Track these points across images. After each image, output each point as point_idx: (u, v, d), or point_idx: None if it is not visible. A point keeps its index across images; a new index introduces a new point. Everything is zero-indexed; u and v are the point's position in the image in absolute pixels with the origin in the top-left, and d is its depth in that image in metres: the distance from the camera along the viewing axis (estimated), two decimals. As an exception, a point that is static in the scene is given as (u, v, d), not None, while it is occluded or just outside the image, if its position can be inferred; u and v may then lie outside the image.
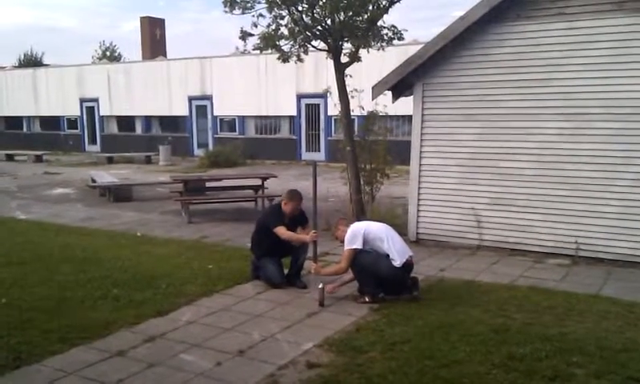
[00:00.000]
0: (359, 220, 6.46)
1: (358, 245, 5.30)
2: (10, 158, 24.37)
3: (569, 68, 6.69)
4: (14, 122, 29.82)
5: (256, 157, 21.48)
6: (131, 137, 26.07)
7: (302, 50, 8.95)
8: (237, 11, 8.64)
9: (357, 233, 5.35)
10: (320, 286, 5.28)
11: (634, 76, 6.35)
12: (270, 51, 9.35)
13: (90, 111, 27.27)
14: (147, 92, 25.08)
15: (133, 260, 6.90)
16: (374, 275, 5.28)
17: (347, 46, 8.97)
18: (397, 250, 5.29)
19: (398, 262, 5.24)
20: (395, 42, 9.13)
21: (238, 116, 23.17)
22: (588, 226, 6.76)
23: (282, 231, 5.80)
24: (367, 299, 5.31)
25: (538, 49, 6.83)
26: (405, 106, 9.24)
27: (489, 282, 5.98)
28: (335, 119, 18.94)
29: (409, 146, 7.91)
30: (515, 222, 7.21)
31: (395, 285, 5.36)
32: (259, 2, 8.56)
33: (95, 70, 27.70)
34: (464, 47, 7.28)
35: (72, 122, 28.03)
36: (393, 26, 8.89)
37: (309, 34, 8.56)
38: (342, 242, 5.52)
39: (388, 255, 5.27)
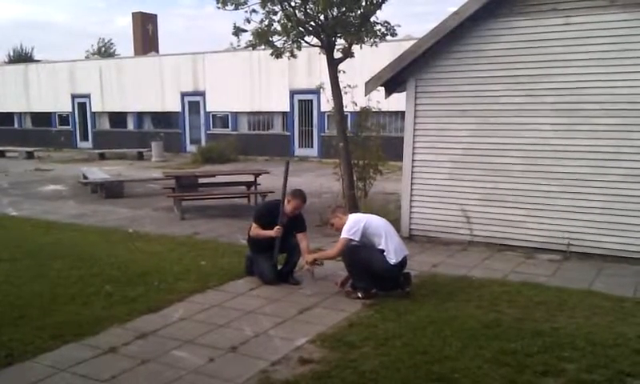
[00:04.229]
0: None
1: (355, 236, 5.27)
2: (0, 154, 24.19)
3: (564, 64, 6.70)
4: (5, 117, 29.58)
5: (249, 153, 21.42)
6: (123, 133, 25.92)
7: (295, 45, 8.94)
8: (229, 7, 8.61)
9: (357, 224, 5.31)
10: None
11: (629, 72, 6.37)
12: (262, 47, 9.33)
13: (82, 107, 27.10)
14: (139, 88, 24.94)
15: (125, 256, 6.87)
16: (367, 270, 5.28)
17: (340, 42, 8.95)
18: (394, 249, 5.28)
19: (393, 260, 5.24)
20: (388, 37, 9.14)
21: (230, 112, 23.10)
22: (579, 222, 6.79)
23: (253, 228, 5.93)
24: (360, 295, 5.31)
25: (532, 45, 6.84)
26: (398, 102, 9.25)
27: (481, 278, 6.01)
28: (328, 115, 18.92)
29: (402, 142, 7.91)
30: (507, 218, 7.23)
31: (388, 281, 5.37)
32: (252, -2, 8.55)
33: (87, 65, 27.49)
34: (458, 43, 7.29)
35: (63, 118, 27.87)
36: (386, 21, 8.92)
37: (302, 29, 8.54)
38: (338, 230, 5.50)
39: (383, 250, 5.27)
